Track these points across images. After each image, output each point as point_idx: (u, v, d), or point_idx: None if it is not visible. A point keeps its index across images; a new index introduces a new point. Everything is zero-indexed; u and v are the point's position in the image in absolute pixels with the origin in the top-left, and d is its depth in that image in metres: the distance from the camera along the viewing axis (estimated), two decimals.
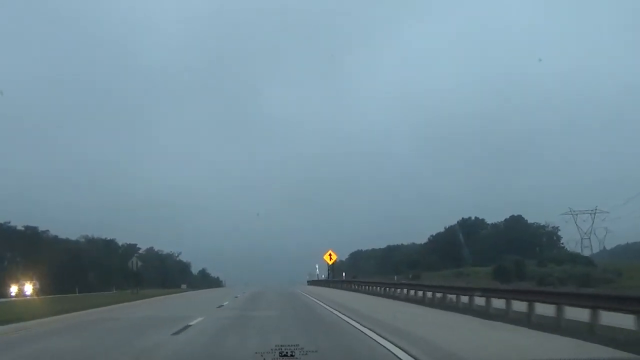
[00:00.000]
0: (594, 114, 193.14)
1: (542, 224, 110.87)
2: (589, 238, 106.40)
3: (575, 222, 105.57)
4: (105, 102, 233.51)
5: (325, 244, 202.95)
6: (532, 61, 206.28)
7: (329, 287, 58.19)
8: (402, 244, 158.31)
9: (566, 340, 11.46)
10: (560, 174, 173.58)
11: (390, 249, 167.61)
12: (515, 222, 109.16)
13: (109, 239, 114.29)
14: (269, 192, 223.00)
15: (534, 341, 11.75)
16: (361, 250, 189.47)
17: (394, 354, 9.94)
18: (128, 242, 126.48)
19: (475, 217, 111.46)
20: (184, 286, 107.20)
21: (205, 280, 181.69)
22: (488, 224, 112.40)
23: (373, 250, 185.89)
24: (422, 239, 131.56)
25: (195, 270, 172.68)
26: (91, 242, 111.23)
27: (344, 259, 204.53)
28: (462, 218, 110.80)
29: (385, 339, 11.85)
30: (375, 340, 11.88)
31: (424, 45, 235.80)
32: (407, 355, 9.72)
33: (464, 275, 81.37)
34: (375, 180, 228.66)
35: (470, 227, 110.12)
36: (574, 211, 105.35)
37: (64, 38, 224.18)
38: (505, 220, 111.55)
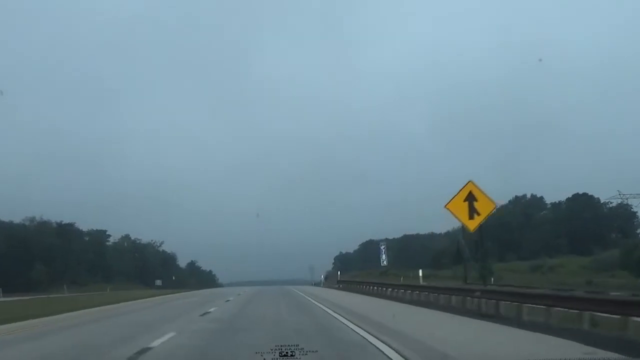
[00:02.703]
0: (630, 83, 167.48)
1: (612, 204, 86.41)
2: None
3: None
4: (78, 78, 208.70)
5: (330, 235, 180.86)
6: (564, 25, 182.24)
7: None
8: (418, 234, 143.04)
9: None
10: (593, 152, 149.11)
11: (408, 239, 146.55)
12: (582, 202, 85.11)
13: (64, 222, 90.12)
14: (267, 177, 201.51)
15: None
16: (373, 240, 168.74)
17: None
18: (95, 228, 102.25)
19: (532, 195, 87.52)
20: (158, 282, 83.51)
21: (195, 275, 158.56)
22: (547, 203, 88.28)
23: (386, 240, 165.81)
24: (442, 227, 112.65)
25: (183, 262, 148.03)
26: (42, 226, 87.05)
27: (351, 251, 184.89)
28: (516, 196, 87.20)
29: None
30: None
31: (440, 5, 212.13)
32: None
33: (557, 268, 57.98)
34: (386, 163, 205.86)
35: (525, 208, 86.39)
36: (624, 195, 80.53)
37: (34, 10, 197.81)
38: (568, 199, 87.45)
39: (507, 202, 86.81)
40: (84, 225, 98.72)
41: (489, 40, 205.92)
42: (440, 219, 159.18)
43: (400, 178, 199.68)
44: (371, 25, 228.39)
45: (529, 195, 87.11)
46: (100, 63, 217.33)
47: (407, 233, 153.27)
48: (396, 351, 9.38)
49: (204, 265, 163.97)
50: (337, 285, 41.74)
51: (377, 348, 9.90)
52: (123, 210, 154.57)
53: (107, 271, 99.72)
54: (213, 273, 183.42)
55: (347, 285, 41.16)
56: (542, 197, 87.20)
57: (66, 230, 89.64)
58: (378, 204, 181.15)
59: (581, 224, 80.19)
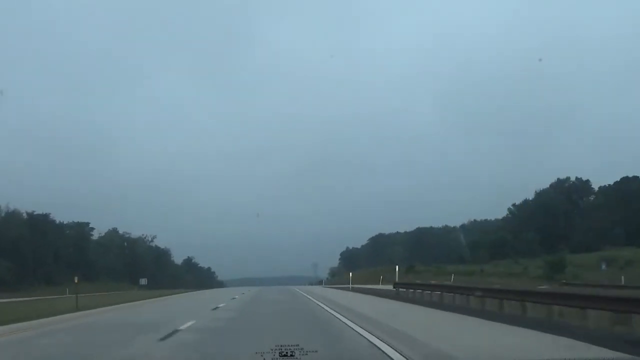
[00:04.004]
0: None
1: None
2: None
3: None
4: (67, 61, 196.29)
5: (336, 230, 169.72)
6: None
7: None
8: (432, 227, 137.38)
9: None
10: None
11: (421, 232, 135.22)
12: (635, 186, 72.77)
13: (36, 213, 78.07)
14: (269, 168, 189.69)
15: None
16: (383, 234, 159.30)
17: None
18: (76, 221, 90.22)
19: (577, 178, 75.03)
20: (143, 281, 71.72)
21: (192, 272, 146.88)
22: (594, 188, 75.85)
23: (398, 233, 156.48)
24: (456, 221, 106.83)
25: (178, 259, 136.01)
26: (10, 217, 74.94)
27: (359, 246, 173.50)
28: (558, 179, 74.75)
29: None
30: None
31: None
32: None
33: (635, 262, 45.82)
34: (395, 154, 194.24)
35: (569, 193, 74.18)
36: None
37: None
38: (617, 183, 75.12)
39: (548, 185, 74.85)
40: (67, 217, 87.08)
41: (505, 19, 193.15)
42: (454, 211, 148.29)
43: (410, 169, 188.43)
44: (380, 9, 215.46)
45: (572, 178, 74.90)
46: (91, 46, 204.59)
47: (421, 226, 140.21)
48: None
49: (202, 261, 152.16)
50: (394, 290, 26.19)
51: None
52: (112, 203, 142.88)
53: (89, 268, 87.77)
54: (212, 270, 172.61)
55: (409, 290, 24.57)
56: (587, 181, 75.08)
57: (39, 222, 77.59)
58: (387, 197, 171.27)
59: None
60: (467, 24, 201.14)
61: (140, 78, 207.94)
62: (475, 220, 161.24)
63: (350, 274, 56.42)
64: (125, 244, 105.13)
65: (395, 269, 68.80)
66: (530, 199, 74.08)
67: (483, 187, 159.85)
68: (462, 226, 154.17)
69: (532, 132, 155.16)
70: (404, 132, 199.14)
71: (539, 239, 65.46)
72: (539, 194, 72.05)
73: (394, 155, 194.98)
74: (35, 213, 77.99)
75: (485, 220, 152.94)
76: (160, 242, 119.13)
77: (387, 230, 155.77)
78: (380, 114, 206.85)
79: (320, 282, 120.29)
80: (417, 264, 70.22)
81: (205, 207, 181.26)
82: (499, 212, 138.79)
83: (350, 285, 37.68)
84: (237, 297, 31.01)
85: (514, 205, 75.73)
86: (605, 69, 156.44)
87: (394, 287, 28.36)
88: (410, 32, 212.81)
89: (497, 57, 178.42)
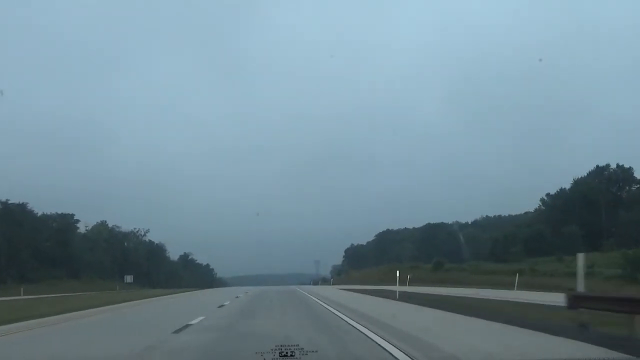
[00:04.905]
0: None
1: None
2: None
3: None
4: (58, 49, 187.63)
5: (340, 226, 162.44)
6: None
7: None
8: (443, 222, 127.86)
9: None
10: None
11: (432, 228, 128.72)
12: None
13: (11, 202, 69.80)
14: (270, 161, 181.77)
15: None
16: (390, 230, 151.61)
17: None
18: (59, 212, 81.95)
19: (618, 165, 66.46)
20: (128, 279, 63.62)
21: (190, 269, 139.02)
22: (636, 177, 67.31)
23: (406, 229, 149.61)
24: (468, 217, 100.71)
25: (174, 254, 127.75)
26: None
27: (364, 243, 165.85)
28: (597, 166, 66.21)
29: None
30: None
31: None
32: None
33: None
34: (401, 147, 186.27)
35: (610, 182, 65.75)
36: None
37: None
38: None
39: (586, 174, 66.40)
40: (50, 208, 78.92)
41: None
42: (465, 206, 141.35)
43: (418, 165, 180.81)
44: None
45: (613, 166, 66.41)
46: (82, 35, 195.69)
47: (431, 222, 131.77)
48: None
49: (200, 258, 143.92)
50: (568, 305, 12.59)
51: None
52: (106, 199, 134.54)
53: (73, 264, 79.71)
54: (211, 267, 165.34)
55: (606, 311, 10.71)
56: (630, 168, 66.60)
57: (14, 212, 69.22)
58: (393, 194, 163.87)
59: None
60: (474, 17, 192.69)
61: (138, 70, 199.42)
62: (487, 216, 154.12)
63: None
64: (115, 238, 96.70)
65: (415, 267, 60.17)
66: (566, 188, 65.57)
67: (494, 183, 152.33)
68: (474, 222, 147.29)
69: (550, 124, 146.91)
70: (410, 126, 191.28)
71: (582, 233, 57.18)
72: (577, 183, 63.67)
73: (401, 150, 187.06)
74: (10, 202, 69.70)
75: (499, 216, 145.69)
76: (156, 238, 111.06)
77: (394, 226, 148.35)
78: (389, 112, 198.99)
79: (325, 281, 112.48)
80: (445, 261, 62.03)
81: (204, 204, 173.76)
82: (512, 208, 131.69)
83: (398, 288, 28.62)
84: (227, 303, 23.00)
85: (547, 195, 67.39)
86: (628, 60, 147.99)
87: (568, 303, 11.05)
88: (418, 27, 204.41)
89: (513, 42, 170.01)
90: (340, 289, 43.78)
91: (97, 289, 65.36)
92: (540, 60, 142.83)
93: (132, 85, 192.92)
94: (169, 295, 40.09)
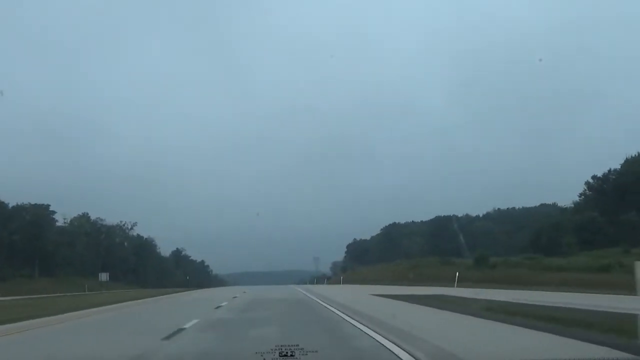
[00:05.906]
0: None
1: None
2: None
3: None
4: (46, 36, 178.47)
5: (341, 221, 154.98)
6: None
7: None
8: (453, 215, 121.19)
9: None
10: None
11: (441, 221, 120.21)
12: None
13: None
14: (268, 155, 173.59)
15: None
16: (398, 223, 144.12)
17: None
18: (33, 202, 72.75)
19: None
20: (104, 277, 54.80)
21: (183, 266, 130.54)
22: None
23: (414, 223, 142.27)
24: (478, 210, 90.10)
25: (166, 250, 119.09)
26: None
27: (368, 237, 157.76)
28: (629, 158, 56.34)
29: None
30: None
31: None
32: None
33: None
34: (406, 139, 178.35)
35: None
36: None
37: None
38: None
39: (637, 153, 57.09)
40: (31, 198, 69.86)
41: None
42: (475, 198, 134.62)
43: (424, 157, 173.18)
44: None
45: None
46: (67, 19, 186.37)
47: (440, 215, 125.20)
48: None
49: (194, 254, 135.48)
50: None
51: None
52: (96, 194, 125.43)
53: (48, 260, 70.65)
54: (206, 264, 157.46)
55: None
56: None
57: None
58: (398, 187, 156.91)
59: None
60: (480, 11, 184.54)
61: (132, 63, 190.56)
62: (499, 209, 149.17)
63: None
64: (98, 232, 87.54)
65: (447, 262, 51.48)
66: (616, 168, 56.10)
67: (504, 177, 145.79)
68: (487, 215, 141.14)
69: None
70: (416, 118, 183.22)
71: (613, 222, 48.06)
72: (629, 162, 54.16)
73: (406, 144, 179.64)
74: None
75: (513, 208, 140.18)
76: (146, 233, 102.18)
77: (401, 219, 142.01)
78: (393, 102, 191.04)
79: (328, 279, 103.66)
80: (489, 254, 52.85)
81: (201, 200, 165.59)
82: (525, 200, 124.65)
83: (467, 294, 18.84)
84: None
85: (594, 177, 57.92)
86: None
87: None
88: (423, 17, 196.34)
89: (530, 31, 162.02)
90: (370, 294, 27.58)
91: (73, 289, 57.05)
92: (540, 60, 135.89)
93: (127, 79, 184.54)
94: (141, 300, 30.68)
